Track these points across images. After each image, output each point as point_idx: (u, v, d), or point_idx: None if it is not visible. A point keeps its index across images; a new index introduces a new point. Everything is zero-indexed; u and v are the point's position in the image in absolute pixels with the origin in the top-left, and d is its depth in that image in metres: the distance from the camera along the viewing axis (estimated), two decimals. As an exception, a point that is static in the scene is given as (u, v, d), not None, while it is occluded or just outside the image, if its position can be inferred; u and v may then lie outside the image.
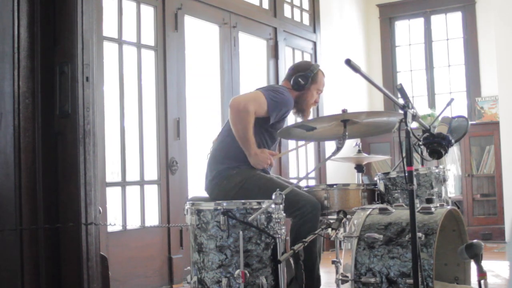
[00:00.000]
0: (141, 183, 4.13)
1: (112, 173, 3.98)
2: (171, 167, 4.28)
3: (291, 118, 5.76)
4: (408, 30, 7.37)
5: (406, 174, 2.15)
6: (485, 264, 2.31)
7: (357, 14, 7.22)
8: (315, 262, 2.92)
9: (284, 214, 2.40)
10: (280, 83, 3.44)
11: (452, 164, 6.42)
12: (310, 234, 2.47)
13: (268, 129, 3.17)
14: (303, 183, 5.45)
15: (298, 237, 2.72)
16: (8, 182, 2.55)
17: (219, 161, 3.13)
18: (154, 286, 4.09)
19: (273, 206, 2.34)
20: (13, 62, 2.57)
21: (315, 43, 6.25)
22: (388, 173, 3.12)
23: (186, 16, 4.56)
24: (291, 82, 3.27)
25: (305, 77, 3.25)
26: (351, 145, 3.46)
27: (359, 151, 3.32)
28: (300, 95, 3.28)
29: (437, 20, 7.18)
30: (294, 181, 5.35)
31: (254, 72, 5.41)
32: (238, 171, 3.06)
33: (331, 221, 2.58)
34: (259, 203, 2.35)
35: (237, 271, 2.25)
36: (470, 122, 3.31)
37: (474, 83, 6.83)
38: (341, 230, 2.55)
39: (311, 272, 2.85)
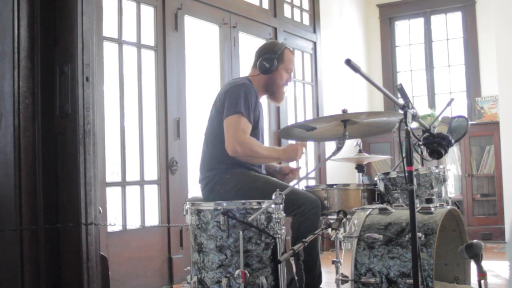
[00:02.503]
0: (141, 183, 4.13)
1: (112, 173, 3.98)
2: (171, 167, 4.28)
3: (291, 119, 5.79)
4: (408, 30, 7.37)
5: (406, 174, 2.15)
6: (485, 264, 2.31)
7: (357, 14, 7.22)
8: (316, 261, 2.91)
9: (284, 214, 2.39)
10: (249, 71, 3.31)
11: (452, 164, 6.42)
12: (310, 232, 2.46)
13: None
14: (303, 183, 5.45)
15: (299, 235, 2.71)
16: (8, 182, 2.55)
17: (208, 168, 3.08)
18: (154, 286, 4.09)
19: (273, 206, 2.34)
20: (13, 62, 2.57)
21: (315, 43, 6.25)
22: (388, 173, 3.12)
23: (186, 16, 4.56)
24: (257, 67, 3.18)
25: (269, 60, 3.15)
26: (351, 145, 3.45)
27: (359, 151, 3.32)
28: (268, 78, 3.19)
29: (437, 20, 7.18)
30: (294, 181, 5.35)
31: (254, 72, 5.41)
32: (232, 175, 3.01)
33: (331, 221, 2.57)
34: (259, 203, 2.34)
35: (237, 271, 2.25)
36: (470, 122, 3.31)
37: (474, 83, 6.83)
38: (341, 230, 2.55)
39: (311, 271, 2.84)
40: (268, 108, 5.46)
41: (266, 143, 5.40)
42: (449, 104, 3.24)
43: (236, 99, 3.02)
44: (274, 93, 3.24)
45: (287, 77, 3.25)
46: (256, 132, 3.13)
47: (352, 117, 2.74)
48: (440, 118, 2.97)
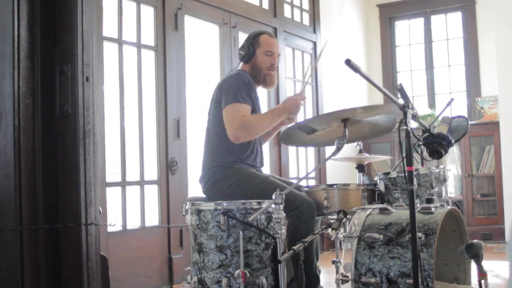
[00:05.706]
0: (141, 183, 4.13)
1: (112, 173, 3.98)
2: (171, 167, 4.28)
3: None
4: (408, 30, 7.37)
5: (406, 174, 2.15)
6: (485, 264, 2.31)
7: (357, 14, 7.22)
8: (312, 261, 2.92)
9: (284, 214, 2.39)
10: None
11: (452, 164, 6.42)
12: (306, 234, 2.46)
13: None
14: (303, 183, 5.45)
15: (295, 237, 2.72)
16: (8, 182, 2.55)
17: (211, 164, 3.12)
18: (154, 286, 4.09)
19: (273, 206, 2.34)
20: (13, 62, 2.57)
21: (315, 43, 6.25)
22: (388, 173, 3.12)
23: (186, 16, 4.56)
24: (238, 58, 3.31)
25: (244, 48, 3.26)
26: (352, 145, 3.45)
27: (360, 151, 3.32)
28: (251, 64, 3.25)
29: (437, 20, 7.18)
30: (294, 181, 5.35)
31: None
32: (233, 170, 3.05)
33: (331, 221, 2.57)
34: (259, 203, 2.34)
35: (237, 271, 2.25)
36: (470, 122, 3.31)
37: (474, 83, 6.83)
38: (341, 230, 2.55)
39: (309, 272, 2.84)
40: (268, 108, 5.46)
41: (266, 143, 5.39)
42: (449, 104, 3.24)
43: (231, 89, 3.08)
44: (259, 78, 3.26)
45: (270, 60, 3.25)
46: None
47: (350, 113, 2.73)
48: (440, 118, 2.98)
